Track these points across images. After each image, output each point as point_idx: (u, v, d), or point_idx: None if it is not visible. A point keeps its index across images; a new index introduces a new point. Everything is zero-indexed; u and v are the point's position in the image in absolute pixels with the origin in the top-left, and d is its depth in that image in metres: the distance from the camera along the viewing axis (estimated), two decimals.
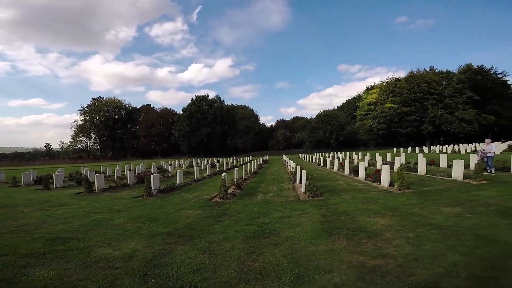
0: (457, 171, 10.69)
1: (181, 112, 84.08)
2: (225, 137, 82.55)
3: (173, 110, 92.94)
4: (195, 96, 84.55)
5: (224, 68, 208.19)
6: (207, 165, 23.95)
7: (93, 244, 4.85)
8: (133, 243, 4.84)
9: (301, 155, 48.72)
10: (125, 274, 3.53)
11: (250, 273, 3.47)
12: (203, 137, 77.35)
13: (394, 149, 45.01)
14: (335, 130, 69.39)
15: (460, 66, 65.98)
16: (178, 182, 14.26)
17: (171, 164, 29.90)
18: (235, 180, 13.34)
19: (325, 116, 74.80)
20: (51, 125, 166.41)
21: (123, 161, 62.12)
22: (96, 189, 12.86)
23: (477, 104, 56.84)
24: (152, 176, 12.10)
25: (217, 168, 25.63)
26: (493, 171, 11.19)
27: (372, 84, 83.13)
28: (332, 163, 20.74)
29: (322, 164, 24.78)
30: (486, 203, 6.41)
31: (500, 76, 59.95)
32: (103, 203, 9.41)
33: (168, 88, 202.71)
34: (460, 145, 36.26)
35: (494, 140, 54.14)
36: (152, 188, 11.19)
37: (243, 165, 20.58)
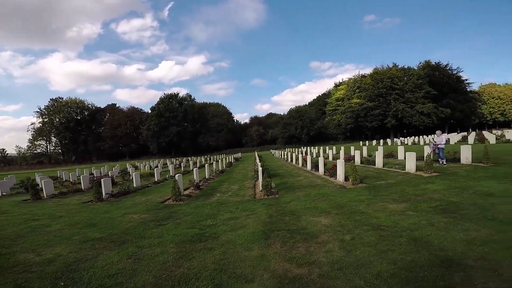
0: (410, 164, 10.85)
1: (150, 111, 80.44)
2: (197, 136, 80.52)
3: (141, 109, 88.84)
4: (164, 94, 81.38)
5: (197, 65, 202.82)
6: (171, 165, 22.78)
7: (17, 250, 4.83)
8: (60, 249, 4.77)
9: (273, 151, 48.78)
10: (37, 278, 3.58)
11: (168, 280, 3.34)
12: (173, 136, 74.72)
13: (360, 142, 46.66)
14: (306, 126, 70.61)
15: (420, 63, 70.27)
16: (134, 185, 13.53)
17: (136, 167, 28.24)
18: (194, 181, 12.61)
19: (296, 112, 75.87)
20: (6, 128, 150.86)
21: (87, 164, 58.33)
22: (45, 196, 12.30)
23: (434, 98, 60.75)
24: (102, 180, 11.52)
25: (182, 168, 24.52)
26: (444, 163, 11.49)
27: (340, 81, 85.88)
28: (297, 159, 20.66)
29: (289, 159, 24.71)
30: (431, 198, 6.33)
31: (455, 72, 64.71)
32: (46, 210, 9.07)
33: (137, 86, 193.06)
34: (420, 136, 38.32)
35: (450, 131, 58.69)
36: (103, 192, 10.83)
37: (209, 164, 19.81)
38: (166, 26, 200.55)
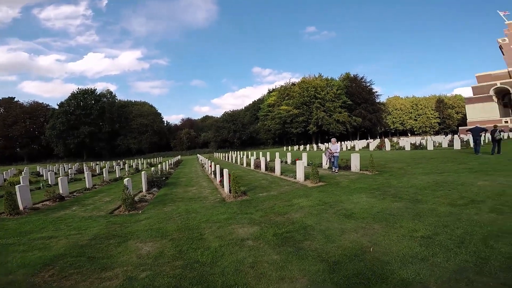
0: (299, 173, 10.05)
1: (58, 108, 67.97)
2: (115, 137, 71.51)
3: (47, 105, 74.53)
4: (78, 89, 70.02)
5: (131, 60, 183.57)
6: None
7: None
8: None
9: (200, 156, 46.02)
10: None
11: None
12: (84, 137, 64.52)
13: (284, 147, 47.96)
14: (238, 130, 70.11)
15: (341, 74, 77.65)
16: None
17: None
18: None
19: (230, 116, 74.85)
20: None
21: None
22: None
23: (349, 108, 67.67)
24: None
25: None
26: (336, 171, 11.13)
27: (274, 88, 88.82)
28: (204, 165, 18.75)
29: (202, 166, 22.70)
30: (289, 219, 5.10)
31: (368, 84, 73.46)
32: None
33: (52, 78, 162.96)
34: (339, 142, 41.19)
35: (361, 138, 66.05)
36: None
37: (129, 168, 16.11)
38: (101, 16, 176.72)
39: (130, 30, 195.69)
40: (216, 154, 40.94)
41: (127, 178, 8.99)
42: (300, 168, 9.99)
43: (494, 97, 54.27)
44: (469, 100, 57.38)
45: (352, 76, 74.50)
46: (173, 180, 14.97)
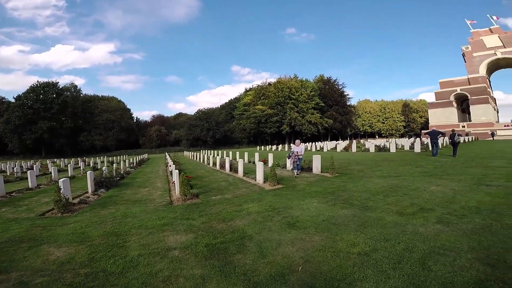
0: (259, 175, 9.55)
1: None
2: (78, 133, 66.83)
3: (3, 98, 67.54)
4: (38, 81, 64.39)
5: (103, 54, 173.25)
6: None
7: None
8: None
9: (167, 155, 44.15)
10: None
11: None
12: (42, 133, 59.43)
13: (258, 147, 47.64)
14: (212, 128, 68.71)
15: (316, 76, 79.13)
16: None
17: None
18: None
19: (204, 114, 73.14)
20: None
21: None
22: None
23: (321, 110, 69.14)
24: None
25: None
26: (297, 173, 10.66)
27: (251, 87, 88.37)
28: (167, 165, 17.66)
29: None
30: (229, 227, 4.59)
31: (340, 87, 75.55)
32: None
33: (13, 70, 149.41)
34: (312, 143, 41.48)
35: (332, 140, 67.76)
36: None
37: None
38: (74, 8, 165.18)
39: (105, 23, 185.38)
40: (186, 153, 39.50)
41: (64, 179, 7.87)
42: (260, 169, 9.49)
43: (454, 103, 58.28)
44: (432, 105, 61.15)
45: (326, 78, 76.26)
46: (129, 180, 13.85)
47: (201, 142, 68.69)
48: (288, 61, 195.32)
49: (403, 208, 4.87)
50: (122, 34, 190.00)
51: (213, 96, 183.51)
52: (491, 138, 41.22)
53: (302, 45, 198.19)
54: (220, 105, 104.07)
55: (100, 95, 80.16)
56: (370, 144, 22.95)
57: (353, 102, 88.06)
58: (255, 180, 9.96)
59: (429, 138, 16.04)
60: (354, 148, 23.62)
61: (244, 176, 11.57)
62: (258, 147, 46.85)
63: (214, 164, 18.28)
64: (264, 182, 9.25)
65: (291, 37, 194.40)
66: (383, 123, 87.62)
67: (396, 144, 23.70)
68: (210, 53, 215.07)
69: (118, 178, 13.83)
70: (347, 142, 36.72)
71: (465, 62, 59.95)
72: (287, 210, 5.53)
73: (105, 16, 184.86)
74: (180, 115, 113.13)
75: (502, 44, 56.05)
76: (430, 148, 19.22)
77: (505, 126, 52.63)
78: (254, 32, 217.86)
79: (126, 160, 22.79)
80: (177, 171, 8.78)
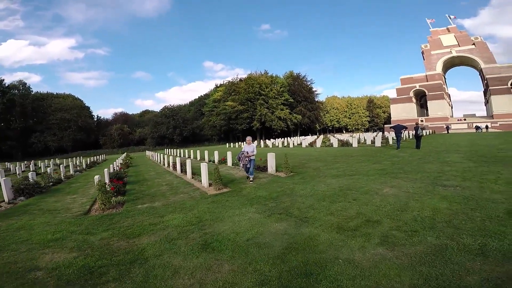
0: (204, 177, 8.32)
1: None
2: (29, 134, 60.17)
3: None
4: None
5: (62, 49, 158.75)
6: None
7: None
8: None
9: (129, 155, 41.13)
10: None
11: None
12: None
13: (227, 144, 46.21)
14: (178, 126, 65.72)
15: (286, 72, 79.02)
16: None
17: None
18: None
19: (170, 111, 69.70)
20: None
21: None
22: None
23: (291, 106, 69.27)
24: None
25: None
26: (251, 179, 8.63)
27: (221, 83, 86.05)
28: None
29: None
30: (129, 246, 3.68)
31: (309, 83, 76.20)
32: None
33: None
34: (287, 138, 41.02)
35: (302, 135, 68.33)
36: None
37: None
38: (30, 1, 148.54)
39: (65, 17, 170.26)
40: (148, 153, 36.92)
41: None
42: (204, 171, 8.25)
43: (413, 98, 61.41)
44: (394, 101, 63.95)
45: (295, 74, 76.41)
46: (64, 186, 11.97)
47: (168, 141, 65.49)
48: (261, 57, 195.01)
49: (346, 220, 3.96)
50: (85, 29, 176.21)
51: (184, 93, 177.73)
52: (446, 132, 43.92)
53: (275, 42, 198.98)
54: (190, 102, 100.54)
55: (55, 93, 73.02)
56: (334, 139, 22.73)
57: (322, 98, 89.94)
58: (201, 183, 8.73)
59: (393, 132, 16.45)
60: (318, 143, 23.26)
61: (192, 178, 10.28)
62: (228, 144, 45.39)
63: (169, 165, 16.67)
64: (210, 185, 8.07)
65: (265, 33, 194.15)
66: (350, 118, 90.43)
67: (358, 139, 23.77)
68: (182, 49, 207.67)
69: (52, 183, 11.95)
70: (314, 137, 36.73)
71: (424, 59, 63.26)
72: (214, 223, 4.49)
73: (65, 9, 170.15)
74: (146, 112, 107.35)
75: (457, 43, 59.88)
76: (391, 142, 19.56)
77: (458, 120, 56.65)
78: (228, 27, 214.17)
79: (71, 163, 20.19)
80: (98, 176, 7.26)
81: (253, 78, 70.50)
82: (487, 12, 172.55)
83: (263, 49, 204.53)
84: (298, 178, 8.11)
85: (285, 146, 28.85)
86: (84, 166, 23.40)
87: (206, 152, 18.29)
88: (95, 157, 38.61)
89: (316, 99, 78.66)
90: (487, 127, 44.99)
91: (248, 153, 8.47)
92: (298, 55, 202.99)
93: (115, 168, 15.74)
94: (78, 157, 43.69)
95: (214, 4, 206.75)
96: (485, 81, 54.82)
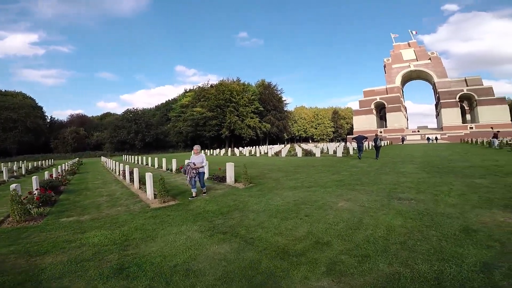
0: (149, 188, 7.39)
1: None
2: None
3: None
4: None
5: (21, 45, 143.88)
6: None
7: None
8: None
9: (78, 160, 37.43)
10: None
11: None
12: None
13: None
14: (141, 131, 62.02)
15: (258, 81, 79.48)
16: None
17: None
18: None
19: (132, 114, 65.68)
20: None
21: None
22: None
23: (260, 114, 69.55)
24: None
25: None
26: (204, 191, 7.54)
27: (191, 88, 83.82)
28: None
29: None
30: (22, 266, 2.76)
31: (279, 92, 77.40)
32: None
33: None
34: (256, 146, 40.47)
35: (270, 144, 68.73)
36: None
37: None
38: None
39: (33, 11, 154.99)
40: (103, 159, 33.97)
41: None
42: (149, 182, 7.33)
43: (374, 110, 65.28)
44: (356, 112, 67.43)
45: (267, 83, 77.26)
46: None
47: (128, 146, 61.41)
48: (236, 64, 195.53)
49: (294, 242, 3.45)
50: (51, 25, 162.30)
51: (151, 96, 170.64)
52: (401, 143, 47.10)
53: (251, 50, 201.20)
54: (156, 106, 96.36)
55: (4, 90, 65.06)
56: (299, 149, 22.81)
57: (291, 108, 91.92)
58: (147, 194, 7.75)
59: (355, 142, 17.11)
60: (284, 153, 23.16)
61: (140, 188, 9.21)
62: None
63: (120, 173, 15.17)
64: (155, 197, 7.15)
65: (242, 41, 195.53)
66: (316, 128, 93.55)
67: (322, 149, 24.19)
68: (154, 51, 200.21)
69: None
70: (281, 146, 36.88)
71: (385, 73, 67.83)
72: (142, 243, 3.77)
73: (35, 4, 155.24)
74: (107, 115, 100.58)
75: (415, 58, 65.10)
76: (352, 152, 20.13)
77: (412, 132, 61.33)
78: (206, 33, 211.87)
79: (4, 168, 17.50)
80: (17, 185, 6.00)
81: (224, 84, 69.71)
82: (444, 28, 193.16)
83: (239, 56, 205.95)
84: (256, 190, 7.56)
85: (252, 155, 28.40)
86: (23, 171, 20.60)
87: (164, 160, 17.05)
88: (42, 161, 34.64)
89: (285, 109, 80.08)
90: (436, 138, 49.21)
91: (195, 165, 7.28)
92: (272, 64, 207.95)
93: (56, 175, 13.84)
94: (21, 161, 38.86)
95: (194, 8, 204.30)
96: (437, 95, 60.23)
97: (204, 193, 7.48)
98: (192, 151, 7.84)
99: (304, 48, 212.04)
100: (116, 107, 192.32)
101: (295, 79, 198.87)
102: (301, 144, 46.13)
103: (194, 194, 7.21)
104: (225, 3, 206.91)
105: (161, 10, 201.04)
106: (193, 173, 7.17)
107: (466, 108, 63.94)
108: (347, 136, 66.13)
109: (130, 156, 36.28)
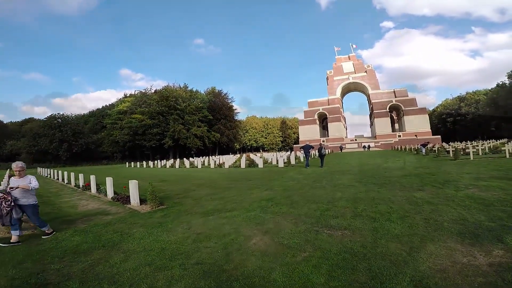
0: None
1: None
2: None
3: None
4: None
5: None
6: None
7: None
8: None
9: None
10: None
11: None
12: None
13: (132, 163, 39.67)
14: (67, 140, 53.67)
15: (208, 88, 76.82)
16: None
17: None
18: None
19: (57, 120, 56.69)
20: None
21: None
22: None
23: (209, 123, 66.99)
24: None
25: None
26: (12, 239, 4.18)
27: (132, 93, 76.76)
28: None
29: None
30: None
31: (230, 101, 75.96)
32: None
33: None
34: (208, 157, 37.74)
35: (220, 154, 66.40)
36: None
37: None
38: None
39: None
40: (8, 172, 27.53)
41: None
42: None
43: (317, 120, 68.53)
44: (302, 122, 69.93)
45: (217, 91, 75.33)
46: None
47: (52, 157, 52.56)
48: (188, 71, 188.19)
49: None
50: None
51: (90, 101, 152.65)
52: (340, 151, 49.90)
53: (207, 58, 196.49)
54: (90, 112, 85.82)
55: None
56: (243, 160, 21.45)
57: (242, 117, 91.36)
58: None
59: (303, 151, 17.61)
60: (227, 164, 21.50)
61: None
62: (131, 164, 38.81)
63: None
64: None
65: (197, 48, 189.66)
66: (266, 138, 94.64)
67: (265, 159, 23.34)
68: (96, 53, 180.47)
69: None
70: (227, 157, 35.19)
71: (328, 84, 72.20)
72: None
73: None
74: (29, 120, 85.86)
75: (354, 70, 70.66)
76: (294, 162, 19.69)
77: (351, 140, 66.02)
78: (158, 37, 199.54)
79: None
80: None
81: (169, 90, 65.46)
82: (380, 44, 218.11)
83: (193, 63, 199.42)
84: (159, 215, 5.68)
85: (192, 167, 26.00)
86: None
87: (72, 174, 13.84)
88: None
89: (236, 118, 79.04)
90: (369, 146, 53.55)
91: (13, 189, 4.34)
92: (227, 73, 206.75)
93: None
94: None
95: (147, 10, 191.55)
96: (371, 105, 66.11)
97: (48, 234, 4.58)
98: (14, 171, 4.56)
99: (261, 59, 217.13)
100: (46, 112, 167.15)
101: (248, 89, 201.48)
102: (250, 154, 45.24)
103: (13, 239, 4.24)
104: (182, 9, 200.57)
105: (111, 11, 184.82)
106: (6, 206, 4.20)
107: (395, 118, 71.79)
108: (294, 146, 67.91)
109: (47, 169, 30.27)
